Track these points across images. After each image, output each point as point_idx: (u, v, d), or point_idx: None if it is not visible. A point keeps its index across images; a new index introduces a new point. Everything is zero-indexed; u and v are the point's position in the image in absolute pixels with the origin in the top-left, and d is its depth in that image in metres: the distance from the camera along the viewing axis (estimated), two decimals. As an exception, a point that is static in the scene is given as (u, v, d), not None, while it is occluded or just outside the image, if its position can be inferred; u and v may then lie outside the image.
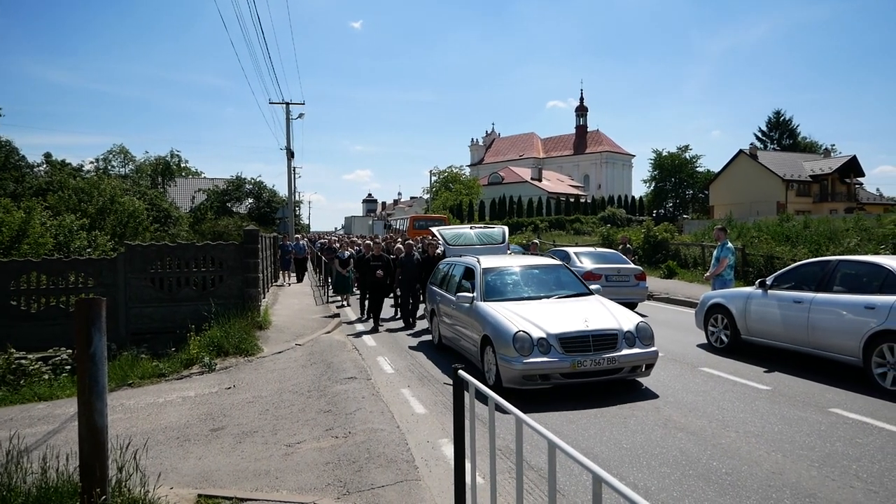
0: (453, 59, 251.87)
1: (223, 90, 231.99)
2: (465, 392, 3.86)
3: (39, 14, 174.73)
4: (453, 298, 9.74)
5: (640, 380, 8.22)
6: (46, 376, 9.65)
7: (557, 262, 10.79)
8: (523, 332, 7.51)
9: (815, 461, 5.35)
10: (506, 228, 15.78)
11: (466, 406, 3.88)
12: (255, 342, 11.69)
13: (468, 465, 3.88)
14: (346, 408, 7.42)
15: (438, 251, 15.17)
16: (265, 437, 6.58)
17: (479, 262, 9.86)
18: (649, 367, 7.81)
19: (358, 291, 16.91)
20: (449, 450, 5.77)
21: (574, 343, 7.46)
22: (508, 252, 14.97)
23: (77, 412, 4.07)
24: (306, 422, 7.04)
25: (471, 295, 9.05)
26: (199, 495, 4.86)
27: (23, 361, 9.73)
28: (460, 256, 11.66)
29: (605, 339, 7.57)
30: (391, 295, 15.74)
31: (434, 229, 15.45)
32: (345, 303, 18.29)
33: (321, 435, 6.52)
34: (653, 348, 7.77)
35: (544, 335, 7.46)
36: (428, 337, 12.15)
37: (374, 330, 13.68)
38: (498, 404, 3.40)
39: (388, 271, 14.39)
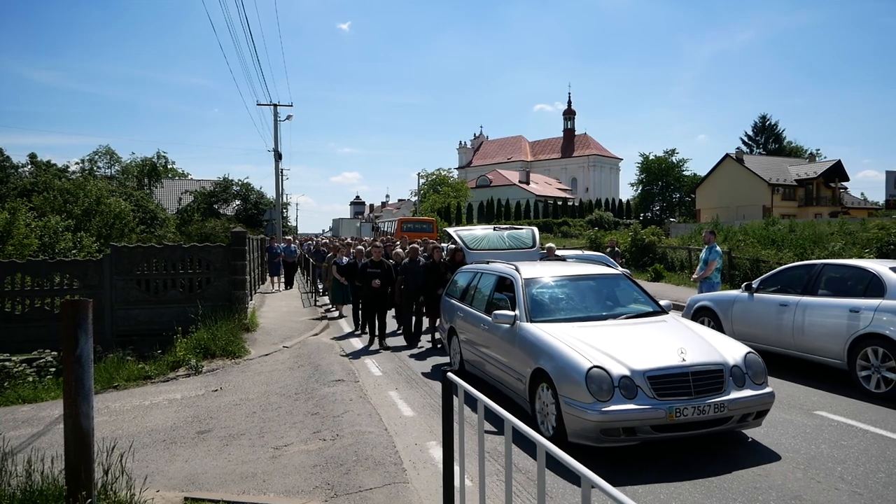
0: (441, 61, 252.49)
1: (210, 91, 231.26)
2: (454, 395, 3.86)
3: (24, 14, 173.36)
4: (485, 317, 7.86)
5: (745, 431, 6.23)
6: (31, 378, 9.58)
7: (617, 269, 9.06)
8: (600, 367, 5.53)
9: (801, 463, 5.39)
10: (535, 230, 13.49)
11: (455, 409, 3.89)
12: (242, 344, 11.64)
13: (457, 468, 3.88)
14: (333, 410, 7.40)
15: (444, 255, 13.20)
16: (252, 439, 6.55)
17: (518, 270, 7.79)
18: (761, 414, 5.85)
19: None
20: (437, 452, 5.77)
21: (669, 383, 5.53)
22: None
23: (63, 415, 4.04)
24: (294, 424, 7.01)
25: (511, 314, 7.04)
26: (186, 498, 4.84)
27: (7, 363, 9.65)
28: (487, 263, 9.38)
29: (709, 378, 5.66)
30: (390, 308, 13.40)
31: (451, 231, 13.41)
32: (339, 312, 16.41)
33: (309, 437, 6.50)
34: (767, 388, 5.86)
35: (627, 372, 5.52)
36: (440, 359, 10.34)
37: (375, 349, 11.72)
38: (487, 407, 3.41)
39: (388, 280, 12.31)
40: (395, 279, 12.27)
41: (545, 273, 7.89)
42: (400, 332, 12.87)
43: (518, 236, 12.88)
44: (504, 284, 8.00)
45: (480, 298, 8.50)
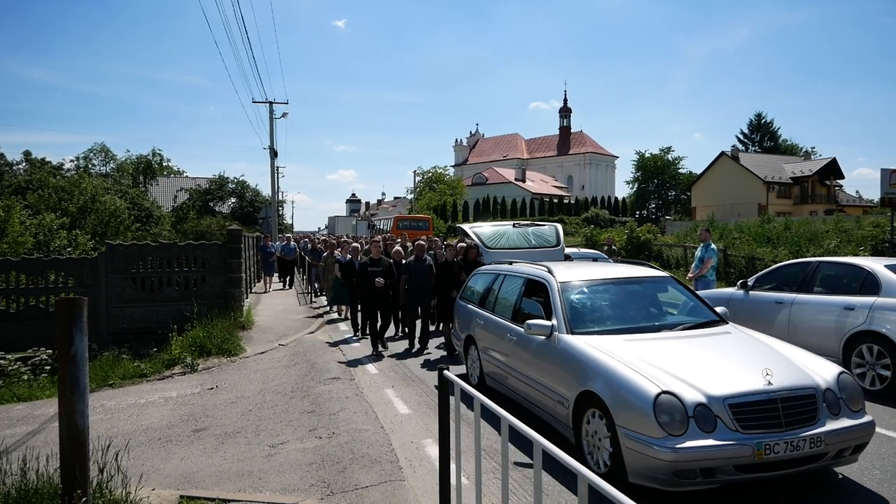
0: (437, 59, 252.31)
1: (206, 89, 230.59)
2: (450, 393, 3.86)
3: (18, 11, 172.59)
4: (512, 326, 6.95)
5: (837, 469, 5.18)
6: (26, 377, 9.56)
7: (659, 271, 7.99)
8: (670, 393, 4.53)
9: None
10: (559, 227, 12.41)
11: (451, 407, 3.89)
12: (237, 342, 11.63)
13: (453, 466, 3.88)
14: (329, 408, 7.39)
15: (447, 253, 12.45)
16: (248, 437, 6.55)
17: (551, 272, 6.83)
18: (859, 448, 4.80)
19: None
20: (433, 450, 5.78)
21: (755, 413, 4.52)
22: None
23: (58, 413, 4.03)
24: (290, 422, 7.01)
25: (547, 324, 6.03)
26: (182, 496, 4.83)
27: (2, 362, 9.63)
28: (510, 263, 8.34)
29: (801, 406, 4.64)
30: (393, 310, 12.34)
31: (466, 227, 12.39)
32: (338, 314, 15.64)
33: (305, 435, 6.49)
34: (866, 417, 4.83)
35: (703, 399, 4.52)
36: (437, 356, 9.95)
37: (376, 355, 10.77)
38: (483, 405, 3.41)
39: (390, 279, 11.25)
40: (397, 278, 11.36)
41: (583, 276, 6.91)
42: (399, 336, 12.23)
43: (540, 234, 11.95)
44: (533, 289, 7.04)
45: (505, 304, 7.55)
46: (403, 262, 11.63)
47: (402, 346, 11.53)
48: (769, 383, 4.67)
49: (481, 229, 11.95)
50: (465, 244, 11.92)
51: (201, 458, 5.98)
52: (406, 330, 11.82)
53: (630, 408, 4.63)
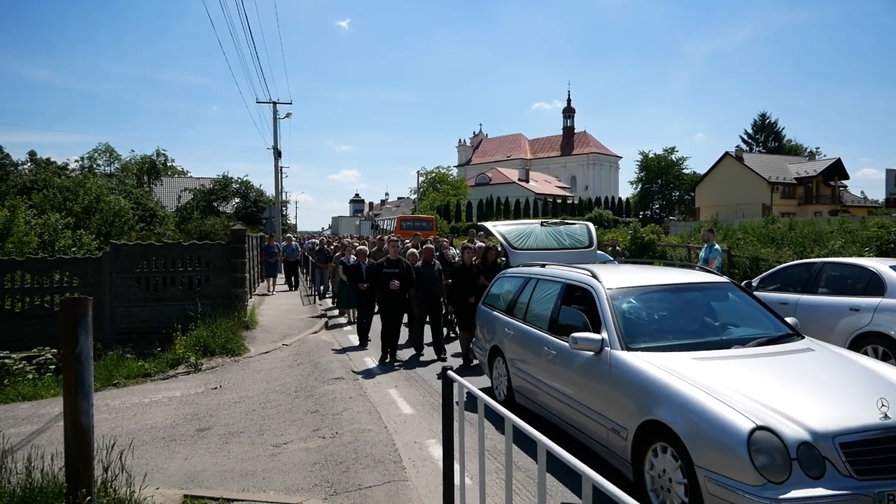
0: (440, 59, 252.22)
1: (209, 89, 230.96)
2: (454, 393, 3.86)
3: (19, 11, 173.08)
4: (550, 338, 6.10)
5: None
6: (31, 376, 9.58)
7: (716, 275, 6.91)
8: (767, 429, 3.70)
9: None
10: (591, 226, 11.40)
11: (455, 407, 3.88)
12: (241, 342, 11.64)
13: (457, 466, 3.88)
14: (333, 408, 7.40)
15: (453, 254, 12.40)
16: (252, 437, 6.56)
17: (596, 277, 5.96)
18: None
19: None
20: (436, 451, 5.77)
21: (872, 453, 3.71)
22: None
23: (62, 412, 4.04)
24: (293, 422, 7.01)
25: (597, 337, 5.17)
26: (186, 496, 4.84)
27: (6, 361, 9.65)
28: (543, 266, 7.45)
29: None
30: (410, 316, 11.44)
31: (489, 226, 11.41)
32: (347, 318, 14.92)
33: (308, 435, 6.50)
34: None
35: (807, 436, 3.70)
36: (479, 380, 8.19)
37: (388, 364, 10.07)
38: (487, 405, 3.40)
39: (409, 282, 10.42)
40: (414, 280, 10.51)
41: (633, 281, 6.03)
42: (405, 344, 11.30)
43: (571, 233, 10.96)
44: (575, 295, 6.23)
45: (539, 312, 6.73)
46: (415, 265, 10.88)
47: (410, 353, 10.83)
48: (886, 416, 3.80)
49: (506, 228, 11.06)
50: (482, 245, 11.26)
51: (205, 457, 5.99)
52: (413, 338, 11.08)
53: (715, 446, 3.81)
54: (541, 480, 2.76)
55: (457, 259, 12.03)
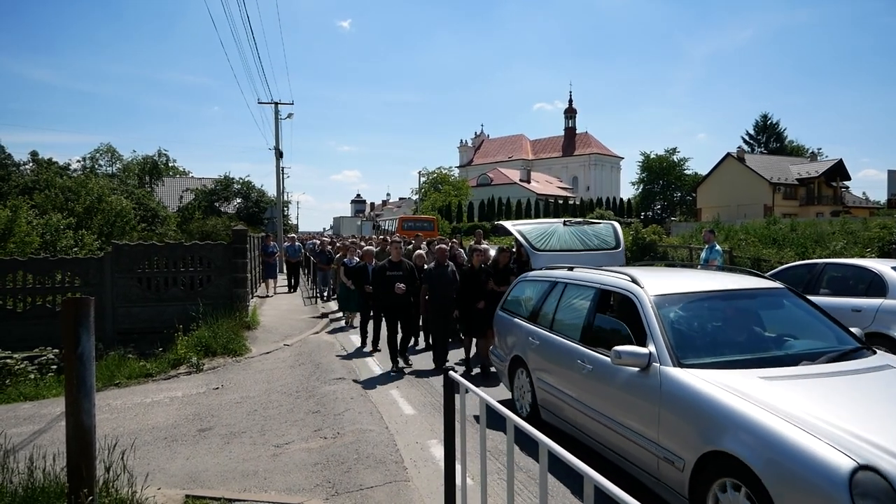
0: (441, 60, 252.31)
1: (210, 89, 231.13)
2: (456, 394, 3.86)
3: (20, 11, 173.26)
4: (584, 350, 5.43)
5: None
6: (32, 376, 9.58)
7: (768, 279, 5.90)
8: (870, 468, 3.07)
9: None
10: (617, 225, 10.72)
11: (457, 407, 3.88)
12: (243, 342, 11.65)
13: (458, 467, 3.88)
14: (334, 408, 7.40)
15: (460, 254, 11.68)
16: (253, 437, 6.56)
17: (637, 282, 5.29)
18: None
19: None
20: (438, 451, 5.78)
21: None
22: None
23: (64, 412, 4.04)
24: (295, 422, 7.02)
25: (644, 352, 4.53)
26: (187, 496, 4.84)
27: (8, 361, 9.65)
28: (572, 269, 6.73)
29: None
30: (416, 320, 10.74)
31: (509, 225, 10.76)
32: (346, 322, 14.41)
33: (310, 436, 6.50)
34: None
35: None
36: (499, 392, 7.56)
37: (397, 372, 9.52)
38: (489, 406, 3.40)
39: (411, 285, 9.90)
40: (419, 284, 10.00)
41: (680, 287, 5.35)
42: (421, 349, 11.04)
43: (597, 233, 10.28)
44: (611, 303, 5.81)
45: (568, 321, 6.05)
46: (425, 267, 10.28)
47: (423, 359, 10.23)
48: None
49: (527, 227, 10.35)
50: (486, 247, 10.78)
51: (207, 457, 6.00)
52: (431, 341, 10.43)
53: (804, 488, 3.17)
54: (542, 481, 2.76)
55: (465, 263, 11.27)
